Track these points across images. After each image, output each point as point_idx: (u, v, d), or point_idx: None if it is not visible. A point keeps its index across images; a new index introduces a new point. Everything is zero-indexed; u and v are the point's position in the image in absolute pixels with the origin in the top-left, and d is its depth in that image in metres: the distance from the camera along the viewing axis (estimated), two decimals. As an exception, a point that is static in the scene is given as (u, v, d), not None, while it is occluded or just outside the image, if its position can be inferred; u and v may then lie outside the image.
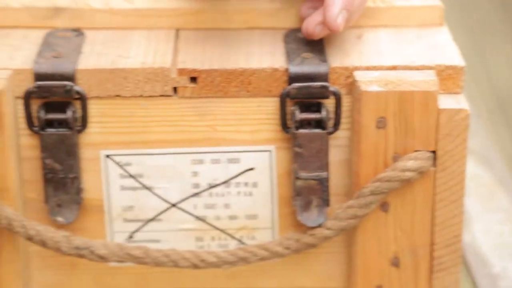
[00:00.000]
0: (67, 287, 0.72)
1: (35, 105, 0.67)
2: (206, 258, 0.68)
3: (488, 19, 2.80)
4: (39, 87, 0.66)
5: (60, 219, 0.69)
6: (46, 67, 0.66)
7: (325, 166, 0.68)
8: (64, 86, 0.66)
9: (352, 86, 0.67)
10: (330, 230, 0.68)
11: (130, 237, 0.71)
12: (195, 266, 0.69)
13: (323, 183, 0.68)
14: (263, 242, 0.69)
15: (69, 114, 0.67)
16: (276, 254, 0.69)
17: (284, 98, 0.67)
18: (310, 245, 0.69)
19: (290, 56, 0.68)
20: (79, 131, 0.67)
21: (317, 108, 0.67)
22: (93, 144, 0.68)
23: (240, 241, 0.71)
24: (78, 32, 0.70)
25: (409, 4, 0.72)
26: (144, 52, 0.68)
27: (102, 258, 0.68)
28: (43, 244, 0.67)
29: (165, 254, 0.68)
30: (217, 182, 0.69)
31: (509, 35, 2.71)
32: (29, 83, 0.66)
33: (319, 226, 0.68)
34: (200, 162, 0.69)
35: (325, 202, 0.68)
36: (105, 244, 0.68)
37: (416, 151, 0.67)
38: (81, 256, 0.68)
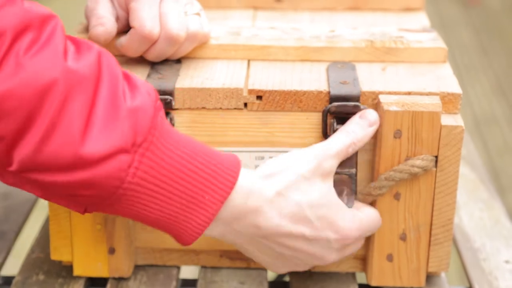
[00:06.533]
0: (160, 244, 0.71)
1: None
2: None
3: (470, 60, 2.76)
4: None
5: None
6: (153, 85, 0.65)
7: (354, 164, 0.66)
8: (165, 99, 0.65)
9: (377, 106, 0.66)
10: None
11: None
12: None
13: (352, 177, 0.67)
14: None
15: (168, 119, 0.66)
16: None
17: (325, 113, 0.66)
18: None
19: (331, 82, 0.66)
20: None
21: (350, 121, 0.66)
22: (184, 142, 0.67)
23: (288, 217, 0.69)
24: (177, 60, 0.70)
25: (422, 46, 0.70)
26: (224, 76, 0.68)
27: None
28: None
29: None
30: (273, 173, 0.68)
31: (485, 73, 2.67)
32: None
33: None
34: (261, 158, 0.68)
35: (353, 191, 0.67)
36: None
37: (422, 155, 0.65)
38: None
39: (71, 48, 0.53)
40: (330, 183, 0.62)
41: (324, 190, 0.61)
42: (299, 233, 0.60)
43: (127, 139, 0.52)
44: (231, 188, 0.57)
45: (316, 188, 0.61)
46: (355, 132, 0.63)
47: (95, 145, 0.52)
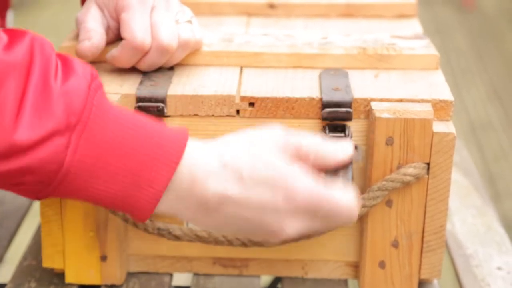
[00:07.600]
0: (152, 251, 0.71)
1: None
2: (252, 239, 0.67)
3: (465, 64, 2.77)
4: (139, 107, 0.66)
5: None
6: (145, 92, 0.66)
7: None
8: (157, 106, 0.65)
9: (369, 113, 0.66)
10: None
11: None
12: (244, 245, 0.68)
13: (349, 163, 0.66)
14: None
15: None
16: (306, 236, 0.67)
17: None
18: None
19: (323, 89, 0.67)
20: None
21: (342, 128, 0.66)
22: (176, 149, 0.67)
23: (281, 224, 0.70)
24: (170, 67, 0.70)
25: (414, 53, 0.71)
26: (217, 83, 0.68)
27: (177, 238, 0.67)
28: (134, 225, 0.67)
29: (223, 236, 0.67)
30: (266, 180, 0.68)
31: (480, 78, 2.68)
32: (132, 104, 0.66)
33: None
34: (254, 165, 0.68)
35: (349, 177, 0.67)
36: (179, 227, 0.67)
37: (414, 162, 0.65)
38: (161, 235, 0.67)
39: (3, 39, 0.53)
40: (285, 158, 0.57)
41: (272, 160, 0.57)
42: (245, 197, 0.56)
43: (60, 121, 0.52)
44: (177, 163, 0.55)
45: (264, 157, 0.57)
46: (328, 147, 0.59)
47: (28, 131, 0.51)
